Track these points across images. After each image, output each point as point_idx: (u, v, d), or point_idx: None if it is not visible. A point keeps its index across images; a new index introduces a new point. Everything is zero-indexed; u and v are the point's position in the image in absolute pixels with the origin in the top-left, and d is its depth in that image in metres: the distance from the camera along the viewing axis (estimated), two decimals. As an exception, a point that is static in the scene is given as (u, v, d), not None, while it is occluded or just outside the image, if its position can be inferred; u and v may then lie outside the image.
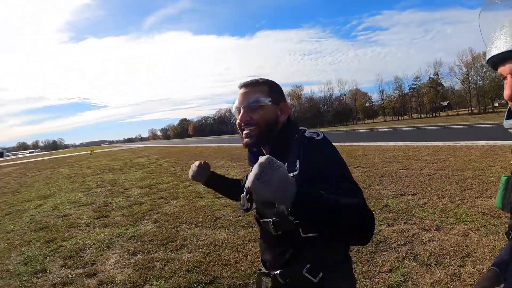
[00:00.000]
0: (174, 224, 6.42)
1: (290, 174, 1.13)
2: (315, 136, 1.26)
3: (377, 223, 4.95)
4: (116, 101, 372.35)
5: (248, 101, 1.31)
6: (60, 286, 4.24)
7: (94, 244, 5.75)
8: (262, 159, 0.94)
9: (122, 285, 4.05)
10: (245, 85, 1.36)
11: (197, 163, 1.84)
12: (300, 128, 1.34)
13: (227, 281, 3.87)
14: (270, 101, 1.31)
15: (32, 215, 8.80)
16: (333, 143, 1.26)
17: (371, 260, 3.96)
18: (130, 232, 6.18)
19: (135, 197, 9.67)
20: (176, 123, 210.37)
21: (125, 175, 15.45)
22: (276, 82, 1.40)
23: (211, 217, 6.51)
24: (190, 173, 1.83)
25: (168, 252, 5.00)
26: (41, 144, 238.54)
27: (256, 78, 1.38)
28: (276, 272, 1.33)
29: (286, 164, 1.15)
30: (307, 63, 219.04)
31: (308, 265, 1.24)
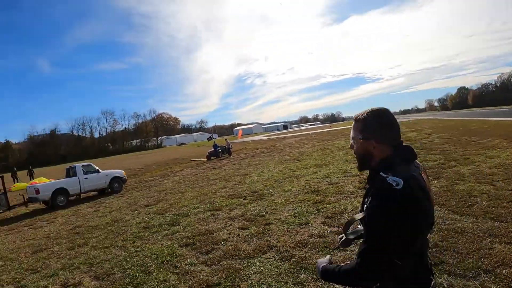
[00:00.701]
0: None
1: (360, 215, 1.59)
2: (393, 185, 1.47)
3: None
4: (388, 73, 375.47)
5: (353, 134, 1.72)
6: (316, 237, 5.64)
7: (352, 210, 6.93)
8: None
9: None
10: (355, 119, 1.73)
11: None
12: (397, 169, 1.54)
13: (449, 267, 4.04)
14: (361, 138, 1.67)
15: (308, 180, 11.10)
16: (401, 197, 1.43)
17: None
18: None
19: None
20: (453, 92, 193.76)
21: (395, 149, 16.01)
22: (378, 115, 1.66)
23: (464, 203, 6.35)
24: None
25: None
26: (320, 117, 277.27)
27: (359, 114, 1.71)
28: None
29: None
30: None
31: None
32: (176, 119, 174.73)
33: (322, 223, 6.37)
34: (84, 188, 15.47)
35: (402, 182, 1.46)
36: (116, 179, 16.72)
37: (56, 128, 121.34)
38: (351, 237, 1.73)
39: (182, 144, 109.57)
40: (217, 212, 8.58)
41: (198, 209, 9.20)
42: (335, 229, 5.91)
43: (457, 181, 8.15)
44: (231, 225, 7.23)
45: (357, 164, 1.77)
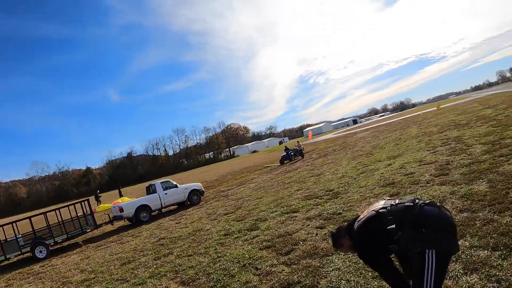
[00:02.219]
0: (507, 185, 6.32)
1: None
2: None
3: None
4: (452, 49, 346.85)
5: None
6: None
7: (427, 199, 6.59)
8: None
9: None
10: None
11: None
12: None
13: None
14: None
15: (382, 173, 10.88)
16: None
17: None
18: (464, 191, 6.71)
19: (476, 154, 9.66)
20: None
21: (470, 130, 15.07)
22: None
23: None
24: None
25: (491, 213, 5.26)
26: (389, 107, 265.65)
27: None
28: None
29: None
30: None
31: None
32: (245, 128, 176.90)
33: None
34: (165, 203, 16.50)
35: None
36: (194, 192, 17.56)
37: (132, 150, 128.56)
38: None
39: (254, 151, 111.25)
40: (295, 214, 8.73)
41: (275, 213, 9.42)
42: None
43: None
44: (308, 225, 7.34)
45: None
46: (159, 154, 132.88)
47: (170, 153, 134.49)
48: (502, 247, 4.11)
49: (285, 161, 29.02)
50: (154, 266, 7.42)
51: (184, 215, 14.34)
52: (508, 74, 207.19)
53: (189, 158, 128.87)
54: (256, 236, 7.60)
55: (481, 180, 7.12)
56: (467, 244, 4.45)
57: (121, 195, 32.76)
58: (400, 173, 10.14)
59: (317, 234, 6.57)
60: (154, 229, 12.68)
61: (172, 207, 17.47)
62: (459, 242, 3.22)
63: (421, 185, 8.06)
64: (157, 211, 16.68)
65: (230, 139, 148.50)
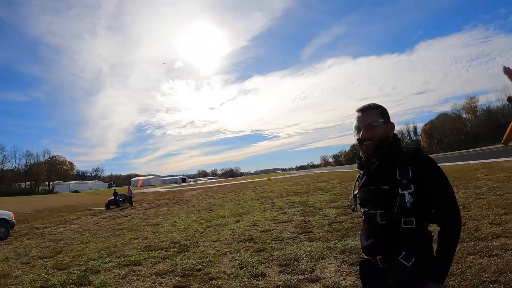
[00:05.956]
0: None
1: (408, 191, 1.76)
2: (418, 150, 1.89)
3: None
4: (286, 131, 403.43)
5: (371, 120, 1.93)
6: (285, 289, 4.67)
7: (306, 254, 6.20)
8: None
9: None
10: (363, 109, 1.99)
11: None
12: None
13: None
14: (382, 121, 1.93)
15: (233, 229, 10.12)
16: None
17: None
18: (340, 246, 6.48)
19: (333, 216, 10.09)
20: (347, 149, 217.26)
21: (312, 197, 16.30)
22: (384, 106, 2.02)
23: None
24: None
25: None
26: (219, 172, 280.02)
27: (370, 103, 2.01)
28: (378, 257, 1.86)
29: (398, 171, 1.81)
30: (476, 69, 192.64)
31: (404, 252, 1.77)
32: (70, 163, 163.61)
33: (280, 272, 5.38)
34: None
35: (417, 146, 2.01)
36: (1, 222, 13.57)
37: None
38: None
39: (75, 191, 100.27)
40: (137, 267, 6.85)
41: (110, 264, 7.31)
42: (302, 276, 5.03)
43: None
44: (162, 283, 5.67)
45: (371, 149, 1.93)
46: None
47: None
48: None
49: (112, 206, 27.46)
50: None
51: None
52: (330, 159, 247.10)
53: (1, 183, 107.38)
54: (88, 296, 5.60)
55: (352, 237, 7.07)
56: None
57: None
58: (254, 229, 9.57)
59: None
60: None
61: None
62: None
63: (287, 241, 7.52)
64: None
65: (52, 172, 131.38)
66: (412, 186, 1.76)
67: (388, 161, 1.89)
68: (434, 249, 1.84)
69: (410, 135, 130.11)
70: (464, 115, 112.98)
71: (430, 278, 1.72)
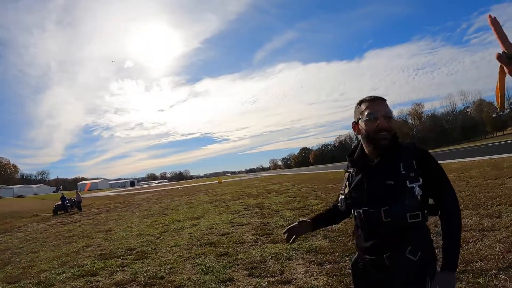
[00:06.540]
0: (348, 238, 6.60)
1: (416, 184, 1.78)
2: (416, 145, 1.93)
3: None
4: (235, 134, 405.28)
5: (388, 111, 1.90)
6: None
7: (272, 256, 6.20)
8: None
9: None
10: (380, 98, 1.94)
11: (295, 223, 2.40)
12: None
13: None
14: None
15: (191, 233, 9.90)
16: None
17: None
18: (305, 247, 6.53)
19: (291, 217, 10.24)
20: (296, 152, 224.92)
21: (267, 199, 16.37)
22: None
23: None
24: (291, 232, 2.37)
25: (349, 262, 5.14)
26: (168, 175, 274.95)
27: (377, 96, 1.95)
28: (385, 256, 1.83)
29: (401, 164, 1.82)
30: (422, 78, 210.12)
31: (410, 247, 1.78)
32: (14, 166, 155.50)
33: (248, 275, 5.33)
34: None
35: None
36: None
37: None
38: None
39: (20, 196, 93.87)
40: (94, 277, 6.44)
41: (64, 275, 6.80)
42: (272, 279, 5.02)
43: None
44: None
45: (388, 139, 1.86)
46: None
47: None
48: None
49: (60, 212, 25.93)
50: None
51: None
52: (280, 162, 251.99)
53: None
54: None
55: (315, 237, 7.12)
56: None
57: None
58: (213, 233, 9.42)
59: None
60: None
61: None
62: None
63: (250, 244, 7.48)
64: None
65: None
66: (420, 179, 1.77)
67: (389, 156, 1.86)
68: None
69: (357, 139, 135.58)
70: (410, 120, 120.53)
71: (441, 268, 1.72)
